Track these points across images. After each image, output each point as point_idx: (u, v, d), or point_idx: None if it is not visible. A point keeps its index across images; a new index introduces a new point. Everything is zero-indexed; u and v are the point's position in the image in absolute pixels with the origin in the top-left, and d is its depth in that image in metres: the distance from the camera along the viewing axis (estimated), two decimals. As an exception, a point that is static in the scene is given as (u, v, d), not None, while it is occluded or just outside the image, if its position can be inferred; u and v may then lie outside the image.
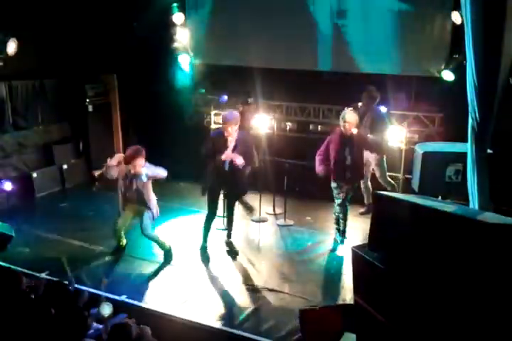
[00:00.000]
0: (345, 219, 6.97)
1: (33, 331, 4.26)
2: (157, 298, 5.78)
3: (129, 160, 6.23)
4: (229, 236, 7.00)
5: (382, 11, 8.18)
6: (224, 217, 7.29)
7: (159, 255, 6.80)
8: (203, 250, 6.87)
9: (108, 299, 5.17)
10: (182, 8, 9.51)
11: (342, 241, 7.00)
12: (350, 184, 6.82)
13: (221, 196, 7.00)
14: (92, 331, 4.64)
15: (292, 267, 6.57)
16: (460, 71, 5.61)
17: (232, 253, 6.86)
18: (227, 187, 6.74)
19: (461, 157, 5.29)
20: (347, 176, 6.69)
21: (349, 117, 6.60)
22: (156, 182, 6.75)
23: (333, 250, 6.97)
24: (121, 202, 6.59)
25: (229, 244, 6.96)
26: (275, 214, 8.17)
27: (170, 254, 6.67)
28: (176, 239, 7.31)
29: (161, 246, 6.68)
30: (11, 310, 4.38)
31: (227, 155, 6.39)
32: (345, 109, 7.05)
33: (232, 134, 6.41)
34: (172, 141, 9.57)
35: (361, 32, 8.34)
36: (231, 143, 6.44)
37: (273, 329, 5.26)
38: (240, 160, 6.36)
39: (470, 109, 4.70)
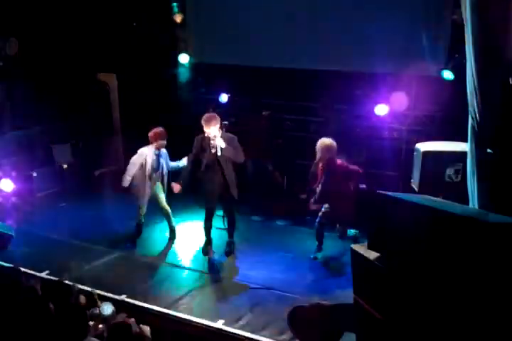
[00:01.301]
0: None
1: (33, 330, 4.27)
2: (157, 298, 5.78)
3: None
4: (231, 235, 6.99)
5: (381, 9, 8.18)
6: (223, 216, 7.31)
7: (159, 254, 6.81)
8: (206, 249, 6.86)
9: (108, 298, 5.19)
10: (182, 8, 9.52)
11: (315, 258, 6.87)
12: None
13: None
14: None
15: (292, 267, 6.57)
16: (460, 70, 5.60)
17: (230, 253, 6.89)
18: (222, 189, 6.64)
19: (461, 157, 5.29)
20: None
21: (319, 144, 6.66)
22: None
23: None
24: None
25: (230, 243, 6.96)
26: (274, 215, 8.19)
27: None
28: (177, 238, 7.33)
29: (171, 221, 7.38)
30: (11, 309, 4.39)
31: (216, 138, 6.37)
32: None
33: (214, 134, 6.40)
34: (172, 140, 9.56)
35: (361, 31, 8.33)
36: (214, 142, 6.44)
37: (272, 328, 5.26)
38: (220, 142, 6.34)
39: (470, 108, 4.69)
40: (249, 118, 9.21)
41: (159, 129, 7.04)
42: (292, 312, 4.88)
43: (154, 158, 6.98)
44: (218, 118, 6.54)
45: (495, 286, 3.19)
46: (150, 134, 6.96)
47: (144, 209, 7.12)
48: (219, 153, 6.39)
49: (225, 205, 6.81)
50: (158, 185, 7.14)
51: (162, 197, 7.22)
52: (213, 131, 6.40)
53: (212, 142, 6.41)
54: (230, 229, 6.96)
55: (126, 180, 6.95)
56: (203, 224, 6.83)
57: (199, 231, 7.17)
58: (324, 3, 8.58)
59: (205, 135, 6.49)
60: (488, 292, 3.19)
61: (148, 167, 6.92)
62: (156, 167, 7.01)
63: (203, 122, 6.47)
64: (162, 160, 7.07)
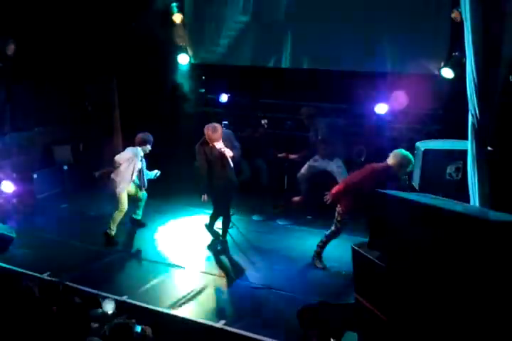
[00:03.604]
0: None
1: (35, 330, 4.27)
2: (158, 298, 5.77)
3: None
4: (224, 236, 7.08)
5: (381, 8, 8.17)
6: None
7: (160, 255, 6.81)
8: (216, 247, 6.96)
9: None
10: (181, 8, 9.52)
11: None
12: None
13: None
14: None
15: (293, 266, 6.56)
16: (460, 68, 5.60)
17: (221, 252, 6.96)
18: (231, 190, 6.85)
19: (462, 154, 5.29)
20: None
21: None
22: (159, 183, 6.83)
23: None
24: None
25: (223, 242, 7.04)
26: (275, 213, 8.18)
27: None
28: (176, 239, 7.33)
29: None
30: (12, 311, 4.39)
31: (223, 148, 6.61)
32: None
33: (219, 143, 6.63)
34: (172, 140, 9.56)
35: (360, 30, 8.32)
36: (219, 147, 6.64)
37: (273, 328, 5.25)
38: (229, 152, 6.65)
39: (470, 106, 4.69)
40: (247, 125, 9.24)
41: (147, 134, 7.18)
42: (300, 311, 4.89)
43: (141, 160, 7.11)
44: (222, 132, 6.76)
45: (496, 284, 3.18)
46: (143, 137, 7.11)
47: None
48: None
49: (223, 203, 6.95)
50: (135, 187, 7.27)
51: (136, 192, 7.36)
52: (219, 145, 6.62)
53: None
54: (224, 230, 7.09)
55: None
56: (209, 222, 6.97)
57: (198, 231, 7.18)
58: (323, 3, 8.57)
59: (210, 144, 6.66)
60: (489, 289, 3.19)
61: (136, 167, 7.01)
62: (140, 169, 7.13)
63: (210, 136, 6.60)
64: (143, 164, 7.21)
